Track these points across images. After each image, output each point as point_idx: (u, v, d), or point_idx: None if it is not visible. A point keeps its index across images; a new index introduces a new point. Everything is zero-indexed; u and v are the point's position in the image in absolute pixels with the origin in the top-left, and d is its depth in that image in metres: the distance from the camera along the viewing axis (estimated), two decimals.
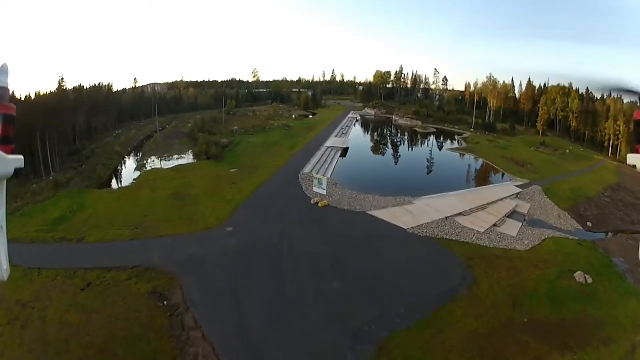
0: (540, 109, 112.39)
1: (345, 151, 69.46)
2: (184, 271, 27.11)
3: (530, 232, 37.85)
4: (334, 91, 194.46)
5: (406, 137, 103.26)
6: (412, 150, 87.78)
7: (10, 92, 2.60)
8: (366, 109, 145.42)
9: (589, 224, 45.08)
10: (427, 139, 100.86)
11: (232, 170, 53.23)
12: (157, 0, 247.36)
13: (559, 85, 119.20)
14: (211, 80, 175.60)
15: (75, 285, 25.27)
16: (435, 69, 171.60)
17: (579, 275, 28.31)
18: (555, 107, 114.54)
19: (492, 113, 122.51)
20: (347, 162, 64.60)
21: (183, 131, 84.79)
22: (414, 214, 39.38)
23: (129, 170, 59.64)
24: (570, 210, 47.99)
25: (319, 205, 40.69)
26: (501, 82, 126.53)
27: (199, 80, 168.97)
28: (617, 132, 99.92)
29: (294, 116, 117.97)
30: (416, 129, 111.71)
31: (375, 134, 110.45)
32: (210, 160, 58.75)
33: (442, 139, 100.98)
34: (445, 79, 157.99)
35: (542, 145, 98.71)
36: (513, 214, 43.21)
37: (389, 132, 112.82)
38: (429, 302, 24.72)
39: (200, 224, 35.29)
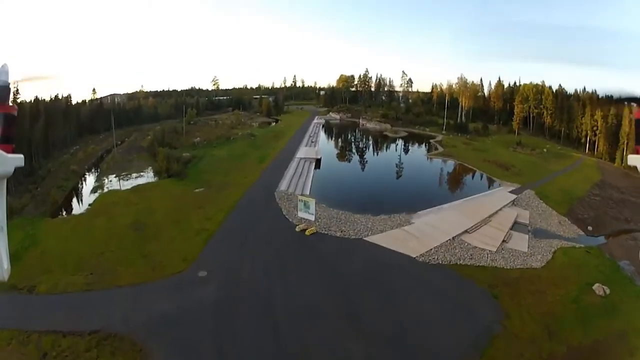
0: (516, 107, 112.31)
1: (318, 162, 64.58)
2: (152, 337, 21.67)
3: (538, 244, 36.11)
4: (296, 96, 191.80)
5: (378, 143, 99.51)
6: (389, 157, 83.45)
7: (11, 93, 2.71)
8: (330, 113, 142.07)
9: (589, 227, 44.77)
10: (406, 145, 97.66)
11: (198, 190, 46.46)
12: (119, 8, 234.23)
13: (531, 82, 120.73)
14: (171, 89, 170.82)
15: (29, 354, 21.14)
16: (403, 71, 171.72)
17: (597, 288, 28.03)
18: (528, 105, 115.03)
19: (463, 113, 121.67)
20: (324, 175, 59.33)
21: (142, 145, 77.35)
22: (417, 237, 34.94)
23: (86, 192, 53.56)
24: (568, 215, 47.48)
25: (306, 233, 34.64)
26: (470, 81, 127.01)
27: (159, 90, 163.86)
28: (595, 128, 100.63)
29: (255, 124, 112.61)
30: (386, 133, 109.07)
31: (345, 140, 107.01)
32: (171, 178, 52.00)
33: (415, 143, 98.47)
34: (410, 81, 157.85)
35: (519, 145, 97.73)
36: (516, 225, 41.24)
37: (358, 138, 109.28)
38: (467, 353, 21.41)
39: (166, 267, 28.95)
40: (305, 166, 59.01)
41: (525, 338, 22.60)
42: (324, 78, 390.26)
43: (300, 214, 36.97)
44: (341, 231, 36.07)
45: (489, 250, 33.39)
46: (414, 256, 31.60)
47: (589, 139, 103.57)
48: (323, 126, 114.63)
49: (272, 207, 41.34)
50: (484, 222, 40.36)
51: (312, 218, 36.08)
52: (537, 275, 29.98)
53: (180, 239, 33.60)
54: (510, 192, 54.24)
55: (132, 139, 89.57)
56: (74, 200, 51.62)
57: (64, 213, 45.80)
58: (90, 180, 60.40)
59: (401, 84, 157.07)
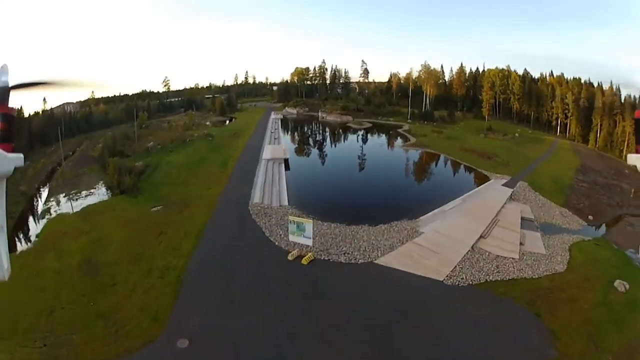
0: (485, 93, 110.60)
1: (286, 162, 57.54)
2: None
3: (551, 242, 34.57)
4: (248, 93, 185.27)
5: (344, 136, 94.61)
6: (362, 151, 76.78)
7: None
8: (287, 108, 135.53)
9: (590, 217, 44.74)
10: (374, 137, 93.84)
11: (155, 210, 37.84)
12: (64, 12, 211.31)
13: (496, 67, 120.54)
14: (122, 94, 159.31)
15: None
16: (363, 61, 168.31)
17: (619, 285, 28.06)
18: (495, 90, 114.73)
19: (428, 101, 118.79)
20: (297, 177, 52.05)
21: (93, 155, 68.01)
22: (435, 252, 29.65)
23: (33, 219, 44.12)
24: (567, 205, 47.03)
25: (303, 262, 27.35)
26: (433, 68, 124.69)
27: (110, 95, 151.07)
28: (566, 111, 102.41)
29: (208, 123, 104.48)
30: (350, 124, 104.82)
31: (307, 135, 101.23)
32: (124, 194, 43.14)
33: (382, 134, 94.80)
34: (366, 71, 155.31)
35: (489, 130, 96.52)
36: (523, 222, 39.01)
37: (321, 132, 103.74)
38: None
39: (132, 334, 20.82)
40: (275, 169, 51.26)
41: (576, 356, 21.11)
42: (276, 73, 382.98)
43: (293, 238, 29.27)
44: (344, 253, 29.31)
45: (512, 258, 30.46)
46: (441, 279, 26.69)
47: (560, 122, 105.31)
48: (281, 121, 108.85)
49: (250, 228, 33.28)
50: (493, 224, 37.29)
51: (310, 243, 28.68)
52: (564, 280, 28.41)
53: (143, 286, 25.21)
54: (503, 184, 52.17)
55: (83, 147, 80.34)
56: (22, 230, 40.83)
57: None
58: (39, 202, 50.60)
59: (361, 74, 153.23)
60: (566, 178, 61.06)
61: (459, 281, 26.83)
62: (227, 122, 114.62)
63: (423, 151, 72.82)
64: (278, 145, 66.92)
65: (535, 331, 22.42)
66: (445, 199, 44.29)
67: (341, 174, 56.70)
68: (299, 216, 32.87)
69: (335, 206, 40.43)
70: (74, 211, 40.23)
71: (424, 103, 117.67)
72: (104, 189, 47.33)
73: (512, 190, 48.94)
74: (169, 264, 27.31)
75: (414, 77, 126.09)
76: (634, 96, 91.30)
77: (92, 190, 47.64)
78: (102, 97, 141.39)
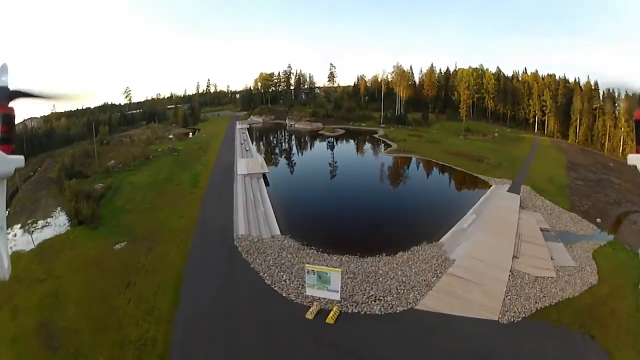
0: (462, 93, 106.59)
1: (264, 176, 50.25)
2: None
3: (576, 252, 32.20)
4: (210, 102, 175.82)
5: (317, 145, 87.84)
6: (341, 160, 68.97)
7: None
8: (252, 116, 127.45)
9: (598, 220, 42.52)
10: (350, 143, 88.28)
11: (119, 247, 29.60)
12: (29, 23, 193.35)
13: (470, 67, 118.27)
14: (84, 107, 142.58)
15: None
16: (331, 64, 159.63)
17: None
18: (469, 90, 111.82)
19: (402, 104, 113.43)
20: (281, 194, 44.38)
21: (52, 176, 58.01)
22: (476, 283, 24.33)
23: None
24: (573, 209, 44.28)
25: (328, 320, 20.20)
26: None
27: (73, 109, 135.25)
28: (544, 108, 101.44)
29: (171, 136, 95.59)
30: (323, 132, 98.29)
31: (278, 145, 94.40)
32: (83, 225, 34.76)
33: (358, 140, 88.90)
34: (332, 75, 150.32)
35: (468, 131, 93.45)
36: (543, 233, 35.36)
37: (292, 141, 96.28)
38: None
39: None
40: (254, 185, 44.11)
41: None
42: (237, 81, 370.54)
43: (312, 292, 21.70)
44: (375, 300, 22.43)
45: (550, 277, 27.14)
46: (496, 318, 21.70)
47: (538, 119, 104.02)
48: (248, 131, 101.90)
49: (243, 272, 25.28)
50: (518, 238, 33.07)
51: (337, 297, 21.33)
52: (601, 292, 26.64)
53: None
54: (507, 190, 48.17)
55: (43, 167, 70.35)
56: None
57: None
58: None
59: (328, 78, 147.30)
60: (561, 177, 58.93)
61: (512, 316, 22.30)
62: (191, 134, 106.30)
63: (408, 157, 67.48)
64: (253, 158, 59.54)
65: (595, 355, 20.53)
66: (454, 212, 39.50)
67: (327, 188, 49.97)
68: (313, 264, 25.41)
69: (335, 230, 34.00)
70: (30, 248, 31.80)
71: (396, 106, 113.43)
72: (62, 218, 38.81)
73: (519, 196, 45.31)
74: (145, 334, 19.63)
75: (386, 79, 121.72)
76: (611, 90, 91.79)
77: (49, 220, 38.92)
78: (63, 112, 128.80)
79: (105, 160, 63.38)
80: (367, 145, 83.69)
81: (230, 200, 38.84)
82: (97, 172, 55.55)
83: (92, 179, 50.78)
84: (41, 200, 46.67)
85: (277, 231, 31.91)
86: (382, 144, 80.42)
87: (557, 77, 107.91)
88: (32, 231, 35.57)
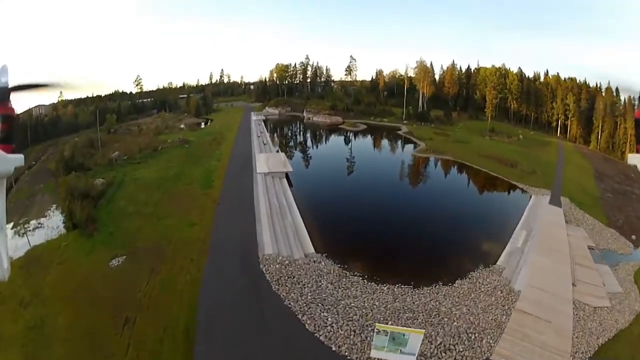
0: (489, 93, 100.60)
1: (287, 175, 44.43)
2: None
3: (619, 275, 28.67)
4: (223, 92, 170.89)
5: (341, 140, 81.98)
6: (369, 158, 64.69)
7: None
8: (267, 108, 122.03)
9: (633, 237, 38.55)
10: (377, 140, 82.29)
11: (116, 263, 23.91)
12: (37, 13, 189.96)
13: (493, 66, 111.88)
14: (95, 95, 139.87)
15: None
16: (351, 56, 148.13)
17: None
18: (495, 90, 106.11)
19: (425, 101, 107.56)
20: (307, 198, 38.51)
21: (51, 168, 53.71)
22: (546, 320, 19.80)
23: None
24: (611, 225, 40.15)
25: None
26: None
27: (83, 97, 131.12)
28: (567, 111, 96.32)
29: (182, 125, 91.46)
30: (343, 126, 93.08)
31: (298, 138, 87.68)
32: (78, 230, 29.30)
33: (384, 137, 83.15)
34: (349, 69, 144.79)
35: (492, 132, 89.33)
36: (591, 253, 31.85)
37: (313, 135, 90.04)
38: None
39: None
40: (278, 188, 38.55)
41: None
42: (251, 72, 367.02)
43: (379, 355, 15.67)
44: (444, 349, 17.30)
45: (606, 307, 23.68)
46: None
47: (561, 123, 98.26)
48: (264, 121, 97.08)
49: (276, 314, 18.84)
50: (573, 263, 28.63)
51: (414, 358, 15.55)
52: None
53: None
54: (547, 201, 42.95)
55: (44, 158, 66.52)
56: None
57: None
58: None
59: (346, 72, 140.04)
60: (592, 188, 54.43)
61: (581, 358, 18.67)
62: (204, 124, 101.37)
63: (440, 158, 61.45)
64: (275, 154, 53.11)
65: None
66: (499, 225, 35.06)
67: (359, 192, 43.68)
68: (361, 295, 20.74)
69: (374, 246, 28.33)
70: (18, 256, 26.38)
71: (418, 103, 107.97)
72: (56, 218, 33.91)
73: (562, 210, 40.62)
74: None
75: (409, 75, 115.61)
76: (634, 97, 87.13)
77: (42, 220, 33.72)
78: (73, 99, 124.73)
79: (110, 150, 58.91)
80: (395, 143, 77.74)
81: (250, 205, 32.68)
82: (100, 165, 50.75)
83: (93, 173, 45.78)
84: (37, 195, 41.43)
85: (311, 248, 26.15)
86: (410, 143, 74.48)
87: (577, 81, 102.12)
88: (23, 233, 30.69)
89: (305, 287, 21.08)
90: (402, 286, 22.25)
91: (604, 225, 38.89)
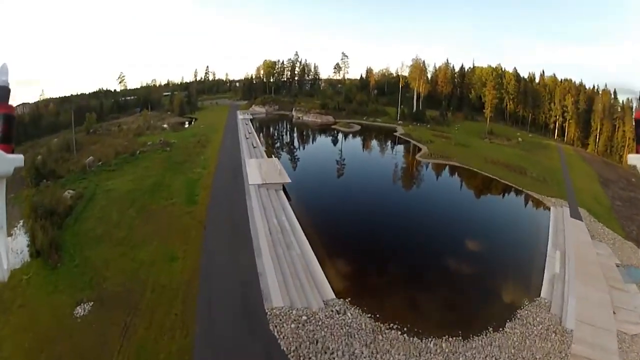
0: (488, 93, 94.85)
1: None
2: None
3: None
4: (208, 90, 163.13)
5: (335, 141, 75.39)
6: (371, 165, 56.70)
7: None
8: (253, 106, 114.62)
9: None
10: (374, 142, 76.15)
11: (81, 312, 17.96)
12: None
13: (489, 65, 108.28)
14: (79, 93, 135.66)
15: None
16: (343, 53, 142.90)
17: None
18: (487, 90, 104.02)
19: (420, 100, 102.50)
20: (313, 216, 31.97)
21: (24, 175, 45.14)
22: None
23: None
24: (628, 237, 37.03)
25: None
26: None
27: (66, 95, 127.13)
28: (565, 113, 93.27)
29: (165, 125, 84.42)
30: (336, 127, 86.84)
31: (288, 139, 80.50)
32: (41, 259, 23.34)
33: (381, 139, 77.73)
34: (338, 66, 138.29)
35: (491, 134, 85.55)
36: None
37: (305, 136, 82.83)
38: None
39: None
40: (276, 204, 32.26)
41: None
42: (236, 70, 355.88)
43: None
44: None
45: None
46: None
47: (558, 125, 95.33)
48: (252, 120, 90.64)
49: None
50: (608, 285, 25.85)
51: None
52: None
53: None
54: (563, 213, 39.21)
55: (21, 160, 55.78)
56: None
57: None
58: None
59: (335, 69, 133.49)
60: (601, 196, 51.35)
61: None
62: (188, 123, 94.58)
63: (446, 164, 56.14)
64: (268, 160, 46.31)
65: None
66: (528, 243, 31.46)
67: (367, 207, 36.64)
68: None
69: (401, 279, 23.41)
70: None
71: (413, 102, 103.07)
72: (22, 238, 27.31)
73: (583, 224, 37.41)
74: None
75: (402, 73, 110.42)
76: (631, 99, 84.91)
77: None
78: (55, 98, 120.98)
79: (85, 154, 52.18)
80: (394, 146, 71.82)
81: (245, 228, 26.47)
82: (73, 172, 44.27)
83: (64, 182, 39.22)
84: (8, 206, 34.72)
85: (330, 292, 20.12)
86: (409, 145, 69.65)
87: (574, 82, 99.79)
88: None
89: (335, 357, 15.48)
90: (451, 339, 17.43)
91: (622, 238, 35.95)
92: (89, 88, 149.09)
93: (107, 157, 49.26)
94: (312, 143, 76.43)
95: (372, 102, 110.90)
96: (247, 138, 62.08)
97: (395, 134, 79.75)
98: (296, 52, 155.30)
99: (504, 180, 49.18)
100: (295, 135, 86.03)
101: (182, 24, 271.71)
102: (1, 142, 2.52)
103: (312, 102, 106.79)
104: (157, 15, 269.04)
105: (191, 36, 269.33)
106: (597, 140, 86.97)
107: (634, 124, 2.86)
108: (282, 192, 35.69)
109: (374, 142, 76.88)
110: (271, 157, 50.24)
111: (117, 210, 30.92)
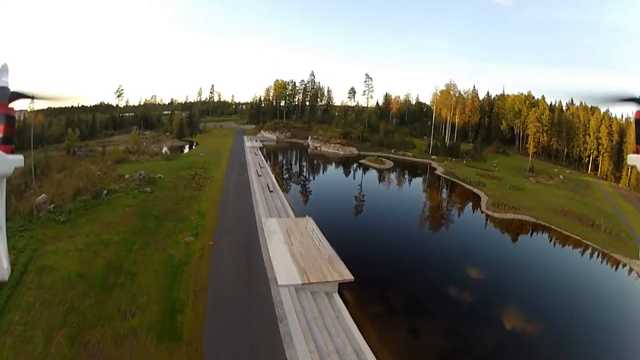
0: (530, 126, 79.20)
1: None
2: None
3: None
4: (213, 111, 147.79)
5: (369, 182, 56.07)
6: (435, 219, 40.62)
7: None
8: (262, 131, 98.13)
9: None
10: (419, 186, 57.98)
11: None
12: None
13: (521, 93, 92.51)
14: (80, 105, 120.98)
15: None
16: (367, 74, 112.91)
17: None
18: (520, 120, 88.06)
19: (455, 132, 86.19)
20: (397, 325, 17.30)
21: None
22: None
23: None
24: None
25: None
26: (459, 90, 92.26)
27: (56, 107, 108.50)
28: (600, 146, 79.55)
29: (165, 149, 69.06)
30: (365, 162, 67.98)
31: (308, 180, 56.54)
32: None
33: (422, 178, 60.74)
34: (352, 90, 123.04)
35: (532, 171, 71.29)
36: None
37: (331, 174, 62.77)
38: None
39: None
40: (334, 331, 15.83)
41: None
42: (243, 91, 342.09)
43: None
44: None
45: None
46: None
47: (592, 159, 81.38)
48: (261, 149, 73.85)
49: None
50: None
51: None
52: None
53: None
54: None
55: None
56: None
57: None
58: None
59: (365, 92, 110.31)
60: None
61: None
62: (188, 147, 78.11)
63: (519, 220, 40.03)
64: (300, 223, 27.49)
65: None
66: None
67: (467, 306, 21.56)
68: None
69: None
70: None
71: (446, 133, 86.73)
72: None
73: None
74: None
75: (432, 100, 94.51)
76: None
77: None
78: (44, 109, 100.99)
79: (48, 185, 35.45)
80: (447, 191, 53.70)
81: None
82: (18, 215, 27.33)
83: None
84: None
85: None
86: (457, 187, 53.64)
87: (600, 112, 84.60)
88: None
89: None
90: None
91: None
92: (92, 101, 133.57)
93: (63, 196, 32.11)
94: (342, 184, 55.44)
95: (397, 132, 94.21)
96: (259, 175, 45.49)
97: (435, 172, 63.12)
98: (312, 71, 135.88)
99: (587, 241, 35.58)
100: (317, 171, 66.68)
101: (190, 41, 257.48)
102: (1, 143, 2.44)
103: (331, 130, 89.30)
104: (164, 31, 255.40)
105: (200, 54, 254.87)
106: (629, 173, 72.93)
107: (634, 123, 2.95)
108: (337, 299, 18.89)
109: (419, 184, 59.30)
110: (289, 211, 32.90)
111: (43, 328, 14.82)
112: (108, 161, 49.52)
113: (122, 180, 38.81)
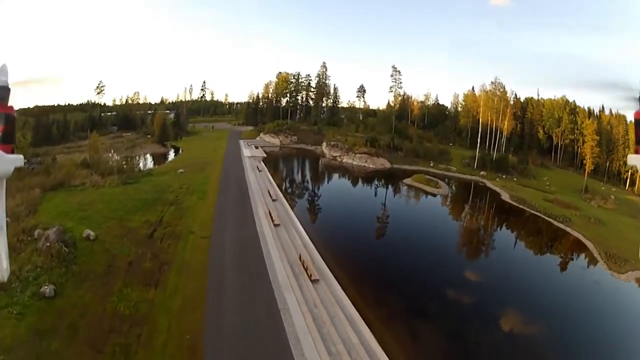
0: (588, 139, 64.98)
1: None
2: None
3: None
4: (204, 111, 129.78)
5: (433, 215, 39.60)
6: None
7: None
8: (262, 134, 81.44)
9: None
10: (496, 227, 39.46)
11: None
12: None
13: (562, 97, 78.68)
14: (67, 104, 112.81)
15: None
16: (394, 67, 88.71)
17: None
18: (561, 129, 75.09)
19: (504, 142, 72.35)
20: None
21: None
22: None
23: None
24: None
25: None
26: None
27: (41, 105, 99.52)
28: None
29: (141, 158, 54.53)
30: (413, 183, 49.29)
31: (326, 203, 40.38)
32: None
33: (501, 214, 41.79)
34: (362, 89, 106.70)
35: (586, 192, 57.83)
36: None
37: (358, 196, 45.45)
38: None
39: None
40: None
41: None
42: (237, 92, 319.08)
43: None
44: None
45: None
46: None
47: (631, 174, 69.99)
48: (263, 159, 57.37)
49: None
50: None
51: None
52: None
53: None
54: None
55: None
56: None
57: None
58: None
59: (392, 88, 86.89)
60: None
61: None
62: (172, 153, 64.36)
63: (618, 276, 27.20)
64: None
65: None
66: None
67: None
68: None
69: None
70: None
71: (494, 143, 71.47)
72: None
73: None
74: None
75: (454, 102, 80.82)
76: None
77: None
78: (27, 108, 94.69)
79: None
80: (544, 239, 35.70)
81: None
82: None
83: None
84: None
85: None
86: (553, 231, 37.11)
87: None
88: None
89: None
90: None
91: None
92: (79, 99, 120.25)
93: None
94: (386, 225, 36.09)
95: (429, 139, 78.76)
96: (275, 225, 26.74)
97: (500, 197, 47.85)
98: (323, 62, 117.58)
99: None
100: (343, 196, 45.28)
101: (180, 35, 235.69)
102: (1, 143, 2.36)
103: (352, 135, 71.58)
104: (152, 25, 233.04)
105: (187, 49, 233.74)
106: None
107: (634, 123, 2.91)
108: None
109: (500, 223, 40.27)
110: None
111: None
112: (36, 188, 29.98)
113: (22, 245, 18.97)
